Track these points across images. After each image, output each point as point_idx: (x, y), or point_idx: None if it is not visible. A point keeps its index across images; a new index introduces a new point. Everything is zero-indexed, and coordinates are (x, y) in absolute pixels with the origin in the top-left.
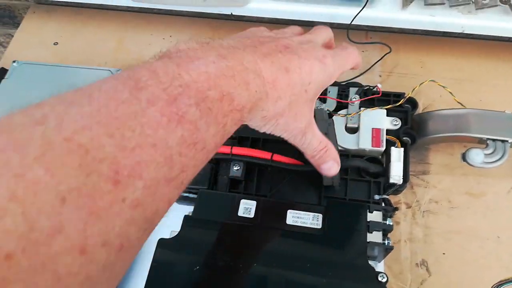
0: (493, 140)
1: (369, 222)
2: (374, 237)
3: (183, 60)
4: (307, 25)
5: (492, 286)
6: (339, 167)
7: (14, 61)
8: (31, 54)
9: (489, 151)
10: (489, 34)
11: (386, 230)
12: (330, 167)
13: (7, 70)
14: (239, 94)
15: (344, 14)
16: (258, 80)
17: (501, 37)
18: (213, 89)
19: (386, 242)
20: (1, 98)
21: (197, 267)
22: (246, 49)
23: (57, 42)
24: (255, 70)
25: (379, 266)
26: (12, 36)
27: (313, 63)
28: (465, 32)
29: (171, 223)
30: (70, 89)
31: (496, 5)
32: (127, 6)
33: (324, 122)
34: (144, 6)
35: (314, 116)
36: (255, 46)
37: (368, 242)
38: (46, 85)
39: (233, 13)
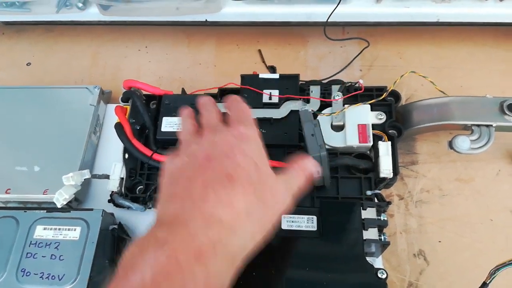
0: (478, 125)
1: (363, 219)
2: (370, 234)
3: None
4: (284, 25)
5: (490, 271)
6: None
7: None
8: (4, 77)
9: (475, 136)
10: (463, 20)
11: (381, 226)
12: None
13: None
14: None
15: (320, 12)
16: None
17: (475, 22)
18: None
19: (382, 237)
20: None
21: None
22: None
23: (30, 63)
24: (202, 235)
25: (377, 261)
26: None
27: (239, 144)
28: (440, 20)
29: None
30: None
31: None
32: (98, 20)
33: (310, 123)
34: (113, 19)
35: (299, 118)
36: (194, 201)
37: (365, 239)
38: (21, 109)
39: (207, 20)
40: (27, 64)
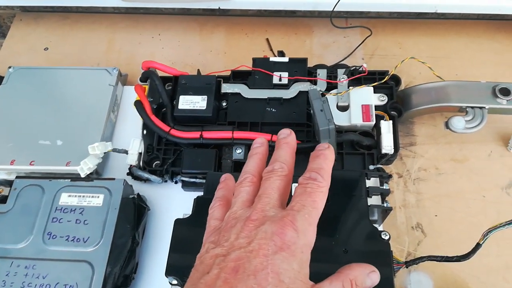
0: (472, 107)
1: (368, 187)
2: (374, 200)
3: None
4: (291, 15)
5: (483, 233)
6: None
7: (9, 67)
8: (22, 61)
9: (469, 117)
10: (460, 12)
11: (384, 194)
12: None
13: (2, 76)
14: None
15: (326, 2)
16: None
17: (470, 14)
18: None
19: (385, 204)
20: (0, 103)
21: None
22: None
23: (47, 48)
24: None
25: None
26: (0, 45)
27: (275, 262)
28: (438, 11)
29: (181, 207)
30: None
31: None
32: (114, 8)
33: (319, 100)
34: (134, 6)
35: (308, 97)
36: None
37: (369, 205)
38: (43, 88)
39: (220, 7)
40: (44, 49)
